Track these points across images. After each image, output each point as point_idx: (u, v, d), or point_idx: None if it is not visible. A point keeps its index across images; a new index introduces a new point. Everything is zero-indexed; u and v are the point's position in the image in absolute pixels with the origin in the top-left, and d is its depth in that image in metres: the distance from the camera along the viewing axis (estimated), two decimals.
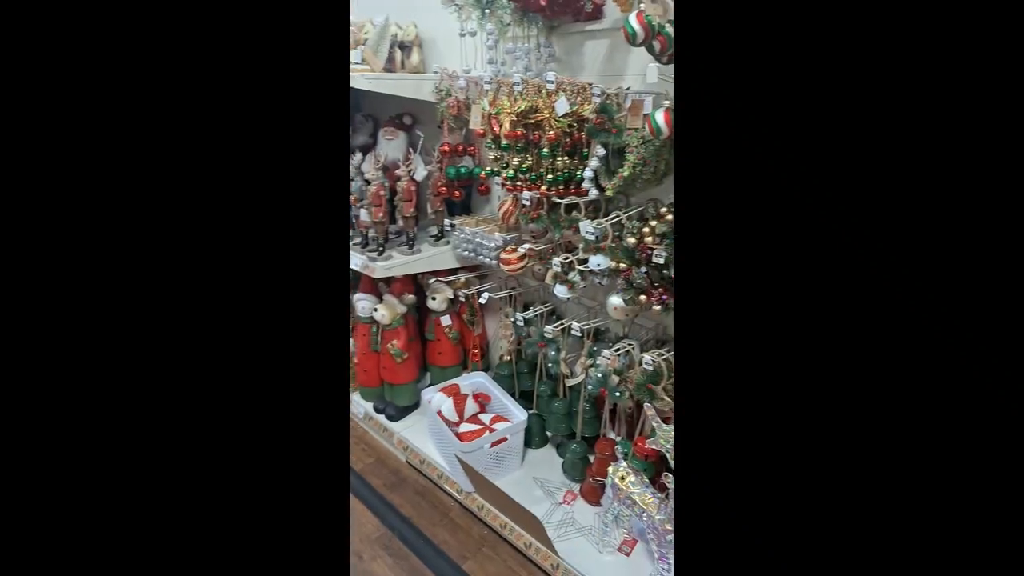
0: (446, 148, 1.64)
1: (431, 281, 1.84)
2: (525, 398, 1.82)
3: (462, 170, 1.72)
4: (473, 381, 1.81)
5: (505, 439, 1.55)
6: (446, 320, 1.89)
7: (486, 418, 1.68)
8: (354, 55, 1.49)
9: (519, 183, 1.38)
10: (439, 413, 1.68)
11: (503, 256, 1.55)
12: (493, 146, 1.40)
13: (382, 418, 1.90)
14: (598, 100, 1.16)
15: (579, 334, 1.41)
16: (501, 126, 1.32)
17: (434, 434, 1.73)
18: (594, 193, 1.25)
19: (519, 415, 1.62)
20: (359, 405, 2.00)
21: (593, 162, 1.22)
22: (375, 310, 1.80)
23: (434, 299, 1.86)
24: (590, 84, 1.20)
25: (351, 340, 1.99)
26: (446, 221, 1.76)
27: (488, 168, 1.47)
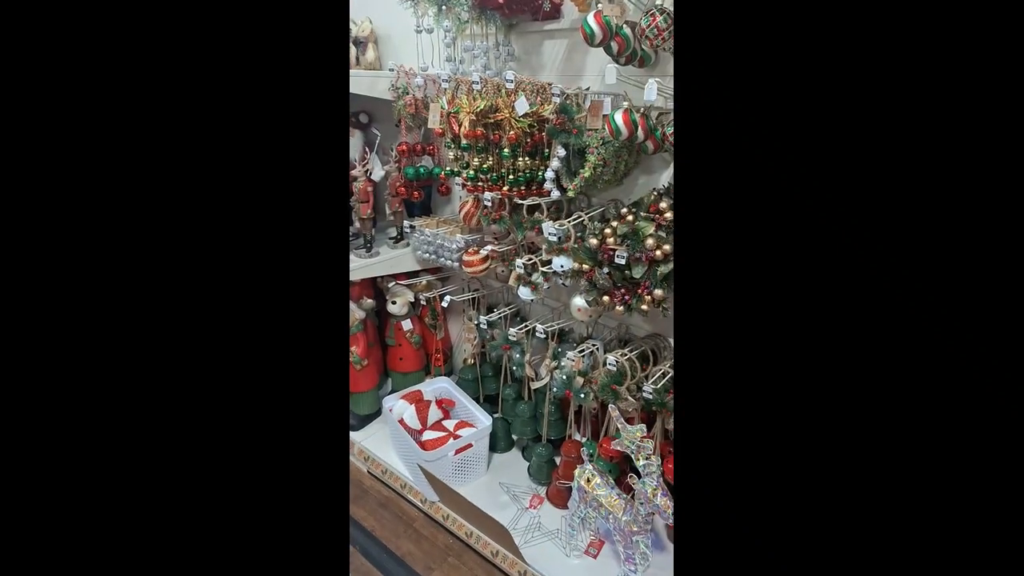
0: (404, 148, 1.59)
1: (391, 285, 1.78)
2: (490, 402, 1.79)
3: (421, 170, 1.67)
4: (436, 387, 1.77)
5: (470, 445, 1.52)
6: (407, 324, 1.84)
7: (450, 424, 1.64)
8: None
9: (480, 184, 1.35)
10: (401, 421, 1.63)
11: (465, 258, 1.51)
12: (453, 146, 1.37)
13: None
14: (558, 100, 1.15)
15: (543, 336, 1.40)
16: (460, 125, 1.29)
17: (396, 443, 1.67)
18: (556, 194, 1.24)
19: (484, 420, 1.59)
20: None
21: (555, 163, 1.20)
22: None
23: (394, 303, 1.81)
24: (550, 84, 1.19)
25: None
26: (405, 222, 1.71)
27: (448, 168, 1.43)
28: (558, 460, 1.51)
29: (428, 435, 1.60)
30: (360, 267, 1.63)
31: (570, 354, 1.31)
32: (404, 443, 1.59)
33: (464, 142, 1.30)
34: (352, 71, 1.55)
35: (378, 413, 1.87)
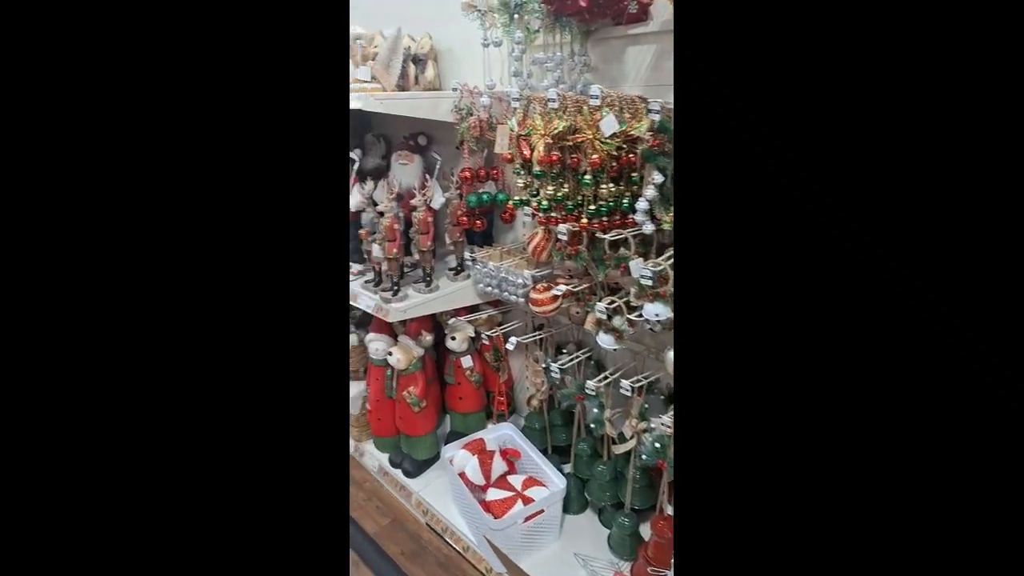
0: (467, 174, 1.45)
1: (451, 320, 1.64)
2: (559, 453, 1.60)
3: (484, 197, 1.52)
4: (500, 434, 1.60)
5: (541, 511, 1.34)
6: (467, 362, 1.69)
7: (516, 481, 1.46)
8: (363, 72, 1.31)
9: (553, 214, 1.17)
10: (462, 475, 1.47)
11: (533, 296, 1.34)
12: (522, 172, 1.20)
13: (398, 474, 1.70)
14: (655, 117, 0.95)
15: (628, 392, 1.19)
16: (533, 149, 1.12)
17: (457, 499, 1.52)
18: (649, 227, 1.04)
19: (556, 480, 1.40)
20: (373, 457, 1.80)
21: (649, 191, 1.01)
22: (389, 353, 1.61)
23: (453, 339, 1.66)
24: (644, 98, 1.00)
25: (364, 386, 1.80)
26: (465, 253, 1.56)
27: (517, 198, 1.27)
28: (644, 533, 1.29)
29: (493, 493, 1.43)
30: (420, 303, 1.49)
31: (664, 418, 1.09)
32: (466, 502, 1.43)
33: (537, 168, 1.13)
34: (411, 92, 1.43)
35: (436, 457, 1.73)
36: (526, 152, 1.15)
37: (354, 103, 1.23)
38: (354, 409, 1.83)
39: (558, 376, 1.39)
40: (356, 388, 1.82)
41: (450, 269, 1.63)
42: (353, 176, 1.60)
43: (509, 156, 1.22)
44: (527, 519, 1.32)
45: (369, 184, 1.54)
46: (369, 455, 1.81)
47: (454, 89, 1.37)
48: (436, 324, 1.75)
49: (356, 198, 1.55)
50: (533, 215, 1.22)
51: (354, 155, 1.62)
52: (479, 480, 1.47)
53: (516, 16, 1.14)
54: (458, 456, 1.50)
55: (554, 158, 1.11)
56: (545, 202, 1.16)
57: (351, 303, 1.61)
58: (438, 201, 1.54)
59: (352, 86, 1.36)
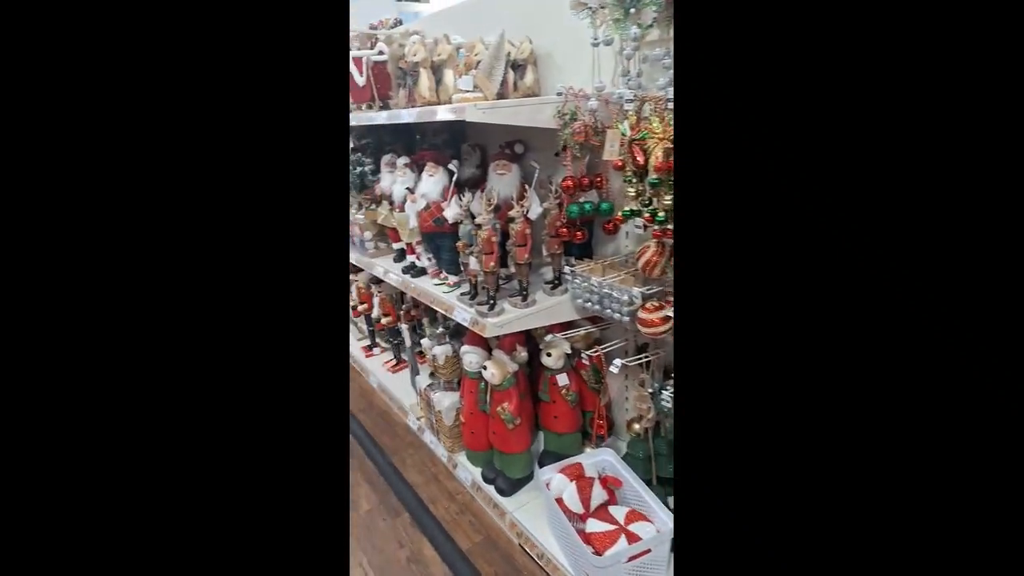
0: (569, 183, 1.36)
1: (548, 337, 1.57)
2: (664, 485, 1.46)
3: (587, 206, 1.43)
4: (599, 460, 1.50)
5: (648, 551, 1.22)
6: (563, 380, 1.61)
7: (618, 513, 1.35)
8: (466, 82, 1.28)
9: (670, 227, 1.05)
10: (559, 501, 1.39)
11: (643, 315, 1.22)
12: (634, 180, 1.10)
13: (492, 490, 1.66)
14: None
15: None
16: (648, 155, 1.02)
17: (554, 525, 1.44)
18: None
19: (663, 517, 1.27)
20: (466, 470, 1.78)
21: None
22: (484, 368, 1.57)
23: (549, 355, 1.59)
24: None
25: (459, 397, 1.79)
26: (565, 268, 1.48)
27: (627, 208, 1.16)
28: None
29: (593, 525, 1.33)
30: (516, 318, 1.44)
31: None
32: (564, 530, 1.35)
33: (653, 176, 1.02)
34: (515, 99, 1.38)
35: (530, 477, 1.67)
36: (639, 158, 1.05)
37: (457, 114, 1.20)
38: (448, 420, 1.82)
39: (669, 405, 1.26)
40: (451, 398, 1.82)
41: (546, 282, 1.56)
42: (452, 187, 1.59)
43: (620, 162, 1.12)
44: (631, 558, 1.21)
45: (467, 195, 1.52)
46: (462, 467, 1.80)
47: (559, 93, 1.29)
48: (529, 338, 1.69)
49: (454, 209, 1.54)
50: (645, 227, 1.11)
51: (452, 166, 1.61)
52: (577, 508, 1.39)
53: (632, 10, 1.04)
54: (555, 480, 1.43)
55: (672, 164, 0.99)
56: (662, 213, 1.04)
57: (447, 315, 1.60)
58: (535, 211, 1.48)
59: (454, 96, 1.33)
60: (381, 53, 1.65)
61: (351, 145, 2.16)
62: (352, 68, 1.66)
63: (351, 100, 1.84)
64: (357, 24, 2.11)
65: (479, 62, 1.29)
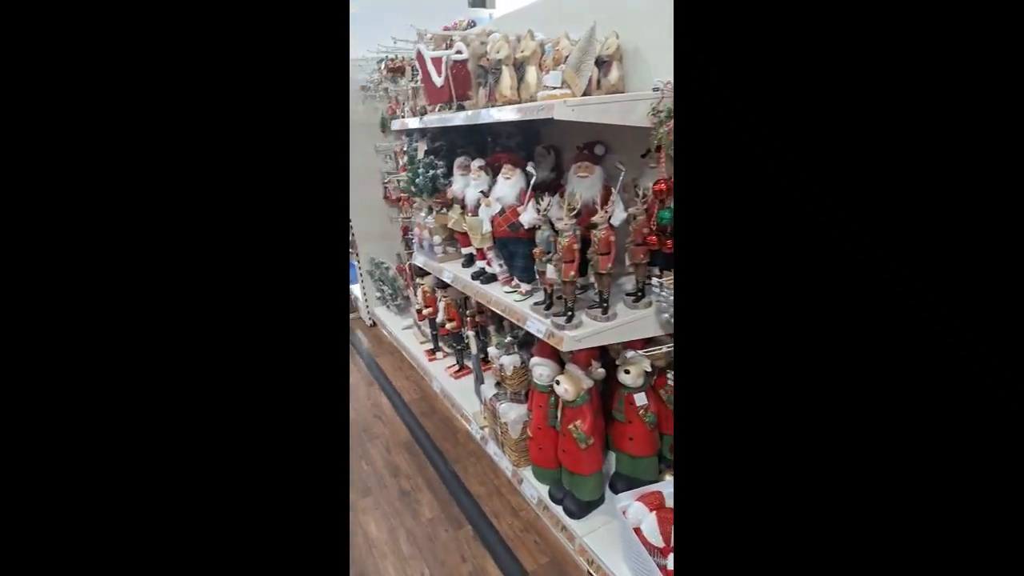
0: (663, 186, 1.25)
1: (628, 354, 1.46)
2: None
3: None
4: None
5: None
6: (641, 399, 1.49)
7: None
8: (553, 78, 1.20)
9: None
10: (637, 531, 1.28)
11: None
12: None
13: (559, 511, 1.57)
14: None
15: None
16: None
17: (629, 557, 1.33)
18: None
19: None
20: (532, 487, 1.70)
21: None
22: (556, 382, 1.49)
23: (627, 372, 1.48)
24: None
25: (526, 410, 1.72)
26: (651, 280, 1.37)
27: None
28: None
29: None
30: (594, 332, 1.35)
31: None
32: (643, 563, 1.24)
33: None
34: (606, 96, 1.29)
35: (601, 500, 1.56)
36: None
37: (546, 112, 1.13)
38: (515, 433, 1.75)
39: None
40: (517, 411, 1.75)
41: (628, 294, 1.45)
42: (529, 191, 1.52)
43: None
44: None
45: (545, 199, 1.44)
46: (528, 483, 1.72)
47: (655, 89, 1.19)
48: (604, 352, 1.59)
49: (531, 214, 1.47)
50: None
51: (530, 168, 1.54)
52: (658, 542, 1.27)
53: None
54: (633, 508, 1.32)
55: None
56: None
57: (520, 325, 1.53)
58: (619, 217, 1.37)
59: (539, 94, 1.26)
60: (460, 52, 1.61)
61: (424, 148, 2.15)
62: (430, 68, 1.64)
63: (427, 102, 1.82)
64: (430, 26, 2.11)
65: (567, 57, 1.21)
